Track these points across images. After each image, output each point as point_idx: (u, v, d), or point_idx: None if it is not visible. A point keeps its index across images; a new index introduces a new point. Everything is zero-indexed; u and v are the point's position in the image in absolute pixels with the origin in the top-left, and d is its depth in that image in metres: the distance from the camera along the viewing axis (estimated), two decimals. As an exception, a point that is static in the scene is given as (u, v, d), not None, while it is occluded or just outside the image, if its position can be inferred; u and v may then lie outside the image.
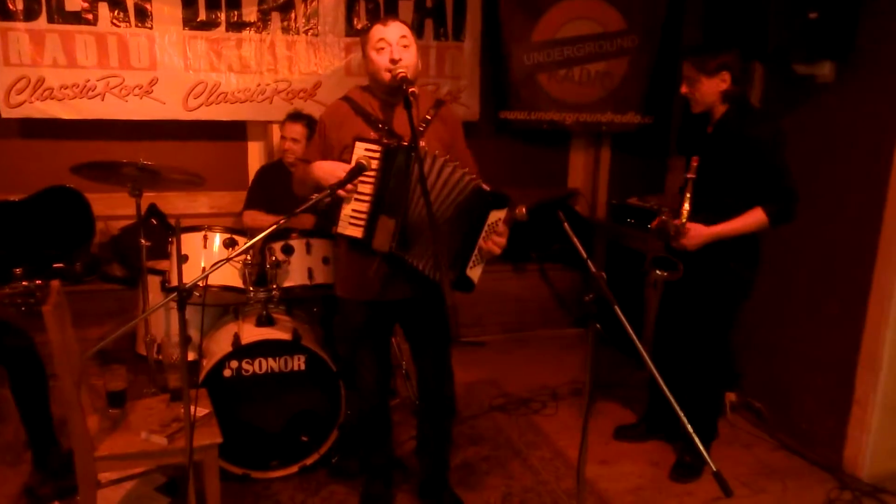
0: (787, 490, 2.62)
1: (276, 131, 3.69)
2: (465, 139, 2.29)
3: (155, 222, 3.75)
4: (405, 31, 2.09)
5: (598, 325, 1.93)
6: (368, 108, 2.15)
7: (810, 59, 2.71)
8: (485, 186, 2.04)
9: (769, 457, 2.88)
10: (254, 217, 3.28)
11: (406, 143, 2.01)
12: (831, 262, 2.80)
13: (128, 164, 2.62)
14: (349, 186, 1.98)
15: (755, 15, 2.83)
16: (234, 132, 3.83)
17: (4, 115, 3.39)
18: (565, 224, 2.05)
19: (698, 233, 2.36)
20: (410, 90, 1.96)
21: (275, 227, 1.87)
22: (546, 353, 4.02)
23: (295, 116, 3.28)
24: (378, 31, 2.08)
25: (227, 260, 1.87)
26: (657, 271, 2.47)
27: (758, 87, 3.18)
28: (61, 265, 3.58)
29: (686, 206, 2.34)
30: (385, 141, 2.03)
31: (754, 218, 2.35)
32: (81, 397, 2.07)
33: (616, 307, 1.83)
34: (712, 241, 2.37)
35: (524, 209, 2.10)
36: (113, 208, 3.69)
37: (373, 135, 2.10)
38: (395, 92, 2.09)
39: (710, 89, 2.38)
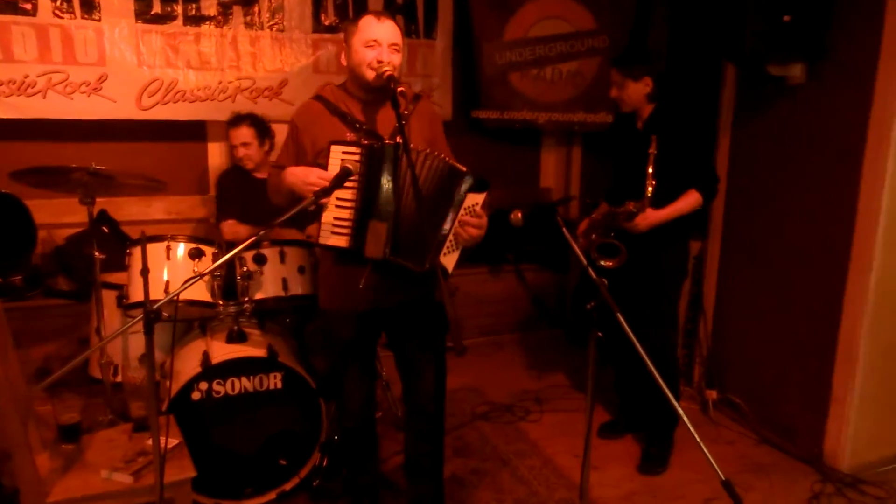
0: (774, 485, 2.63)
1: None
2: (446, 137, 2.19)
3: (106, 230, 3.48)
4: (398, 36, 1.98)
5: (599, 334, 1.86)
6: (344, 108, 2.01)
7: (783, 60, 2.74)
8: (460, 166, 1.91)
9: (753, 452, 2.88)
10: (233, 229, 3.05)
11: (389, 142, 1.88)
12: (808, 259, 2.82)
13: (78, 168, 2.38)
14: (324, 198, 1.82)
15: (729, 16, 2.84)
16: (193, 133, 3.60)
17: (-69, 115, 3.08)
18: (564, 230, 1.97)
19: (652, 215, 2.55)
20: (399, 89, 1.85)
21: (254, 238, 1.70)
22: (525, 355, 3.94)
23: (237, 119, 3.08)
24: (370, 26, 1.94)
25: (202, 276, 1.69)
26: (602, 261, 2.55)
27: (730, 87, 3.17)
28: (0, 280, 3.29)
29: (650, 172, 2.49)
30: (365, 142, 1.89)
31: (693, 199, 2.60)
32: (29, 433, 1.84)
33: (619, 314, 1.77)
34: (661, 223, 2.56)
35: (520, 214, 2.00)
36: (57, 215, 3.41)
37: (350, 136, 1.96)
38: (375, 90, 1.96)
39: (637, 92, 2.64)
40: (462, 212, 1.92)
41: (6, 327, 1.95)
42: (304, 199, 1.80)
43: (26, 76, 3.16)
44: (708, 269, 3.31)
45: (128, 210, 3.56)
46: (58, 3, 3.14)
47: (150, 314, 1.63)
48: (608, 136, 4.13)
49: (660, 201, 2.55)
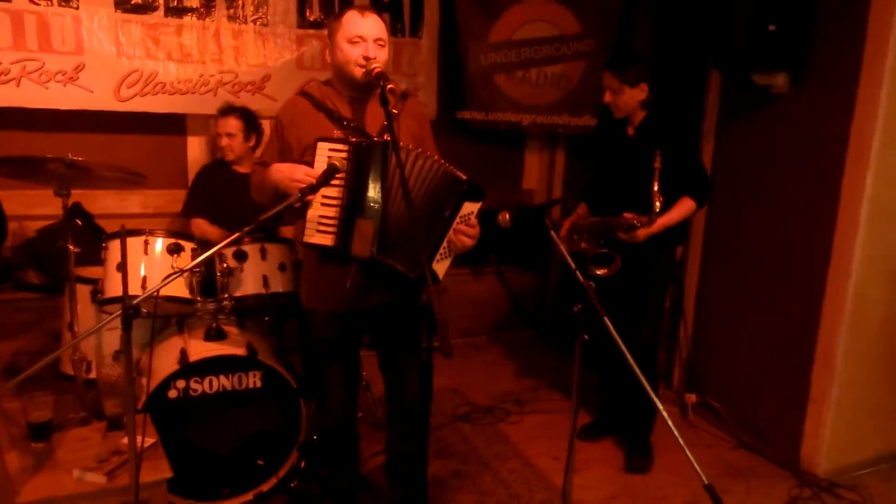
0: (751, 489, 2.66)
1: (218, 127, 3.42)
2: (433, 135, 2.18)
3: (80, 223, 3.38)
4: (383, 31, 1.95)
5: (585, 337, 1.86)
6: (330, 104, 1.98)
7: (767, 69, 2.77)
8: (461, 174, 1.90)
9: (730, 456, 2.91)
10: (202, 228, 2.99)
11: (378, 140, 1.86)
12: (787, 264, 2.86)
13: (54, 159, 2.31)
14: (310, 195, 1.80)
15: (714, 24, 2.88)
16: (173, 126, 3.53)
17: None
18: (552, 233, 1.97)
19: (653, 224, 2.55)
20: (389, 86, 1.81)
21: (236, 235, 1.67)
22: (505, 356, 3.94)
23: (227, 110, 3.03)
24: (354, 21, 1.91)
25: (183, 272, 1.65)
26: (597, 270, 2.53)
27: (714, 94, 3.21)
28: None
29: (656, 190, 2.47)
30: (353, 139, 1.87)
31: (687, 206, 2.61)
32: None
33: (606, 318, 1.77)
34: (658, 231, 2.56)
35: (507, 215, 2.00)
36: (28, 207, 3.32)
37: (337, 133, 1.93)
38: (362, 87, 1.94)
39: (632, 98, 2.59)
40: (458, 219, 1.91)
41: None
42: (290, 197, 1.78)
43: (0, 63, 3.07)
44: (689, 273, 3.34)
45: (103, 203, 3.48)
46: (33, -11, 3.05)
47: (129, 310, 1.60)
48: (592, 139, 4.17)
49: (648, 207, 2.52)
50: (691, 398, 3.24)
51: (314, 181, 1.78)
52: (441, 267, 1.95)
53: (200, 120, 3.53)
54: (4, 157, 2.34)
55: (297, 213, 1.92)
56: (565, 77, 4.05)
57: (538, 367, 3.75)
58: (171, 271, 2.36)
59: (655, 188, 2.46)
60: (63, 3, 3.10)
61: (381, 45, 1.92)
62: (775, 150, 2.89)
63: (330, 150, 1.84)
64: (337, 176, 1.83)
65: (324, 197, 1.86)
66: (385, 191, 1.85)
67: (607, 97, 2.64)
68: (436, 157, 1.91)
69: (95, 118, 3.30)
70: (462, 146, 4.06)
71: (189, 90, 3.35)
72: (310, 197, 1.82)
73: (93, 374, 2.65)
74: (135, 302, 1.59)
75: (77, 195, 3.31)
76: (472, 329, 4.13)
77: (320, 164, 1.84)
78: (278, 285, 2.50)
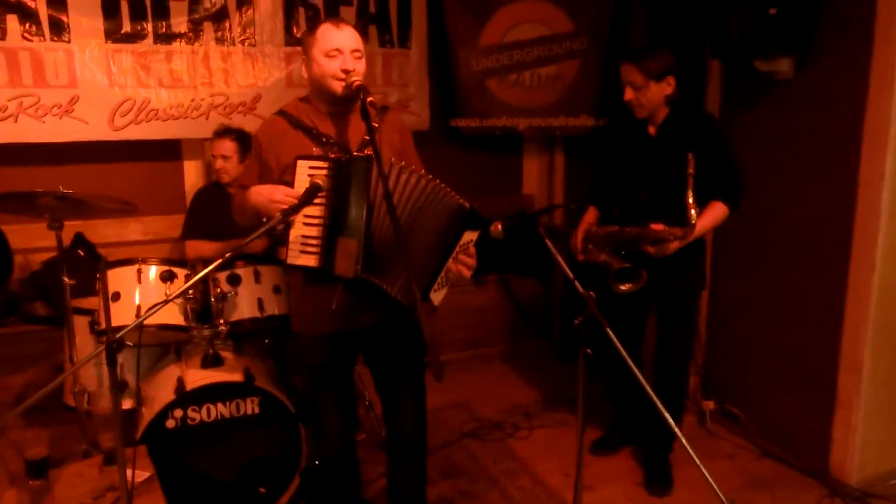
0: (777, 501, 2.54)
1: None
2: (416, 149, 2.14)
3: (82, 253, 3.41)
4: (359, 42, 1.92)
5: (588, 350, 1.81)
6: (308, 122, 1.95)
7: (770, 54, 2.65)
8: (465, 203, 1.87)
9: (754, 466, 2.78)
10: (197, 248, 3.00)
11: (358, 155, 1.83)
12: (806, 260, 2.72)
13: (44, 193, 2.32)
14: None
15: (712, 11, 2.78)
16: (168, 151, 3.54)
17: None
18: (547, 241, 1.93)
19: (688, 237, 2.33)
20: (370, 99, 1.77)
21: (221, 261, 1.65)
22: (512, 368, 3.88)
23: (222, 132, 3.03)
24: (330, 34, 1.88)
25: (165, 302, 1.63)
26: (621, 286, 2.38)
27: (715, 84, 3.13)
28: (-25, 307, 3.23)
29: (691, 202, 2.24)
30: (332, 156, 1.84)
31: (720, 211, 2.41)
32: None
33: (608, 329, 1.73)
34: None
35: (500, 226, 1.95)
36: (32, 240, 3.35)
37: (316, 150, 1.90)
38: (341, 102, 1.91)
39: (658, 94, 2.37)
40: (458, 248, 1.87)
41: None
42: (271, 219, 1.75)
43: (-4, 101, 3.11)
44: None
45: (103, 232, 3.50)
46: (27, 26, 3.08)
47: (113, 344, 1.58)
48: (592, 140, 4.11)
49: (676, 215, 2.30)
50: (709, 405, 3.11)
51: (295, 201, 1.75)
52: (438, 296, 1.92)
53: (195, 144, 3.54)
54: (-4, 193, 2.36)
55: (282, 233, 1.90)
56: (560, 77, 4.00)
57: (547, 378, 3.68)
58: (167, 297, 2.36)
59: (691, 199, 2.21)
60: (55, 38, 3.13)
61: (358, 56, 1.90)
62: (784, 138, 2.77)
63: (310, 167, 1.81)
64: (319, 194, 1.81)
65: (306, 216, 1.83)
66: (368, 207, 1.82)
67: (628, 94, 2.38)
68: (422, 171, 1.87)
69: (91, 149, 3.32)
70: (458, 155, 4.04)
71: (181, 115, 3.36)
72: (292, 217, 1.79)
73: (91, 406, 2.65)
74: (120, 334, 1.57)
75: (78, 226, 3.36)
76: (476, 341, 4.07)
77: (301, 183, 1.81)
78: (274, 308, 2.49)
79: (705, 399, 3.15)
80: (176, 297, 1.71)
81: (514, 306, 4.16)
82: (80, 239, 3.43)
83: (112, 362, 1.58)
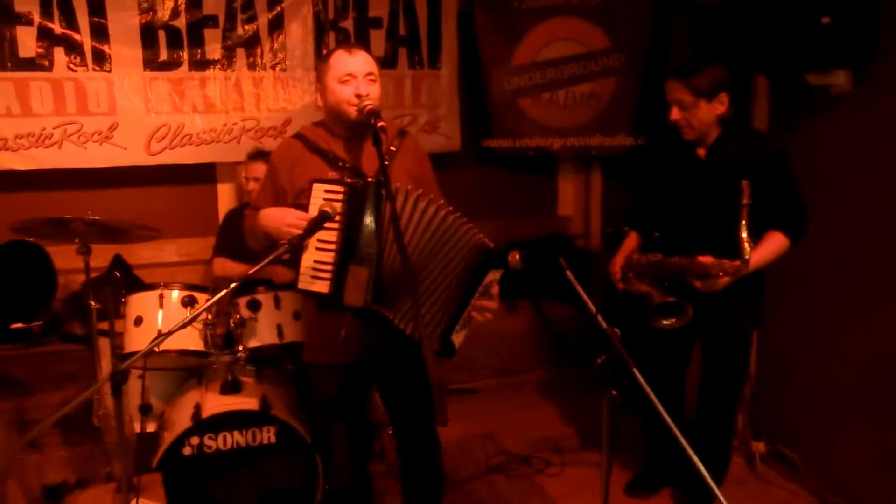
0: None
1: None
2: (447, 171, 2.12)
3: (118, 275, 3.50)
4: (372, 66, 1.89)
5: (614, 392, 1.70)
6: (324, 146, 1.92)
7: (823, 67, 2.48)
8: (488, 242, 1.80)
9: (811, 518, 2.56)
10: (223, 266, 3.05)
11: (372, 180, 1.78)
12: (870, 285, 2.48)
13: (74, 219, 2.38)
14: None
15: (758, 23, 2.63)
16: (202, 175, 3.61)
17: (-44, 169, 3.17)
18: (568, 272, 1.83)
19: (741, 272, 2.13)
20: (380, 124, 1.74)
21: (228, 291, 1.62)
22: (545, 398, 3.73)
23: (256, 155, 3.08)
24: (343, 60, 1.87)
25: (169, 334, 1.61)
26: (663, 320, 2.21)
27: (763, 101, 2.96)
28: (19, 325, 3.34)
29: (745, 235, 2.04)
30: (348, 180, 1.80)
31: (779, 243, 2.19)
32: (11, 492, 1.79)
33: (634, 369, 1.61)
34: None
35: (517, 255, 1.87)
36: (74, 261, 3.36)
37: (332, 174, 1.87)
38: (357, 127, 1.88)
39: (709, 114, 2.18)
40: (481, 289, 1.80)
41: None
42: (281, 244, 1.72)
43: (43, 129, 3.23)
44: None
45: (141, 254, 3.57)
46: (71, 57, 3.20)
47: (117, 375, 1.58)
48: (630, 160, 3.97)
49: (728, 247, 2.10)
50: (760, 447, 2.86)
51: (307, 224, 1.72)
52: (458, 338, 1.85)
53: (229, 168, 3.59)
54: (29, 219, 2.43)
55: (293, 257, 1.87)
56: (595, 96, 3.89)
57: (581, 409, 3.49)
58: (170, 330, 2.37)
59: (744, 234, 2.02)
60: (97, 68, 3.24)
61: (371, 80, 1.87)
62: (841, 156, 2.55)
63: (325, 191, 1.77)
64: (332, 220, 1.77)
65: (319, 241, 1.79)
66: (380, 235, 1.77)
67: (675, 114, 2.19)
68: (441, 202, 1.82)
69: (128, 173, 3.41)
70: (490, 176, 3.98)
71: (214, 139, 3.42)
72: (304, 242, 1.76)
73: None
74: (122, 367, 1.57)
75: (117, 247, 3.44)
76: (507, 368, 3.94)
77: (315, 207, 1.77)
78: (293, 334, 2.46)
79: (756, 440, 2.91)
80: (179, 327, 1.69)
81: (548, 332, 4.03)
82: (118, 261, 3.52)
83: (117, 392, 1.58)
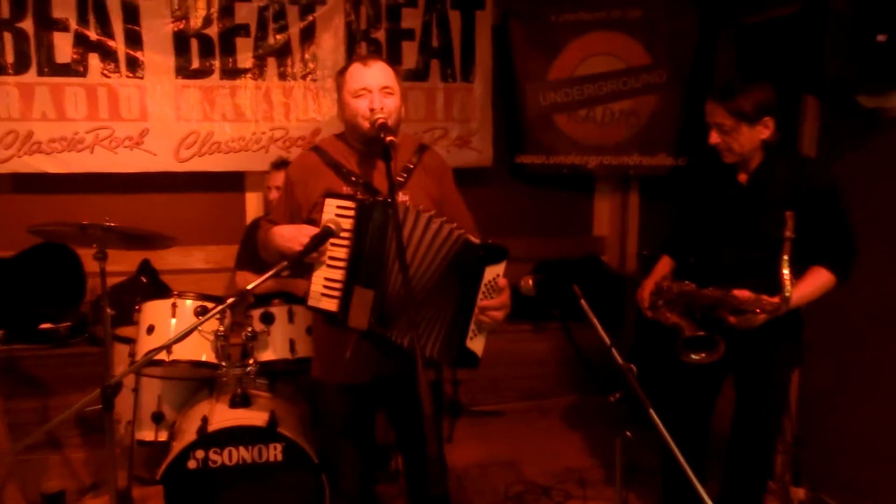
0: None
1: (271, 182, 3.46)
2: (478, 186, 2.03)
3: (145, 280, 3.51)
4: (389, 77, 1.82)
5: (628, 433, 1.57)
6: (342, 160, 1.87)
7: (877, 89, 2.32)
8: (473, 239, 1.71)
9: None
10: (246, 279, 3.01)
11: (380, 199, 1.71)
12: None
13: (91, 224, 2.36)
14: (314, 255, 1.67)
15: (807, 42, 2.48)
16: (231, 183, 3.61)
17: (-8, 171, 3.24)
18: (582, 301, 1.72)
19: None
20: (388, 139, 1.68)
21: (222, 308, 1.56)
22: (572, 425, 3.58)
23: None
24: (358, 74, 1.82)
25: (158, 350, 1.56)
26: (693, 355, 2.06)
27: (811, 123, 2.79)
28: (48, 326, 3.38)
29: (787, 271, 1.89)
30: (360, 196, 1.73)
31: (823, 280, 2.00)
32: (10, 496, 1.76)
33: (650, 410, 1.48)
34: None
35: (530, 282, 1.76)
36: (107, 264, 3.48)
37: (346, 189, 1.81)
38: (372, 141, 1.81)
39: (752, 138, 2.00)
40: (482, 290, 1.71)
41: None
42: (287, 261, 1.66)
43: (76, 133, 3.29)
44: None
45: (169, 259, 3.59)
46: (106, 64, 3.26)
47: (108, 389, 1.53)
48: (671, 181, 3.80)
49: (764, 280, 1.95)
50: (799, 493, 2.67)
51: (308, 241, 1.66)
52: (476, 344, 1.75)
53: (258, 176, 3.58)
54: (47, 223, 2.43)
55: (305, 273, 1.80)
56: (634, 113, 3.75)
57: (609, 439, 3.31)
58: (199, 334, 2.33)
59: (786, 270, 1.87)
60: (130, 74, 3.29)
61: (388, 93, 1.81)
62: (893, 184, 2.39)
63: (337, 206, 1.71)
64: (343, 235, 1.70)
65: (331, 258, 1.72)
66: (388, 256, 1.69)
67: (714, 138, 2.03)
68: (452, 222, 1.73)
69: (159, 179, 3.44)
70: (523, 193, 3.90)
71: (242, 148, 3.42)
72: (313, 256, 1.69)
73: (135, 435, 2.64)
74: (113, 381, 1.52)
75: (146, 252, 3.46)
76: (533, 391, 3.80)
77: (328, 222, 1.71)
78: (306, 349, 2.39)
79: (796, 485, 2.71)
80: (173, 342, 1.63)
81: (577, 356, 3.87)
82: (145, 266, 3.53)
83: (108, 407, 1.53)
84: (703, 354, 2.04)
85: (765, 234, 1.99)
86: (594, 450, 3.27)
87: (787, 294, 1.88)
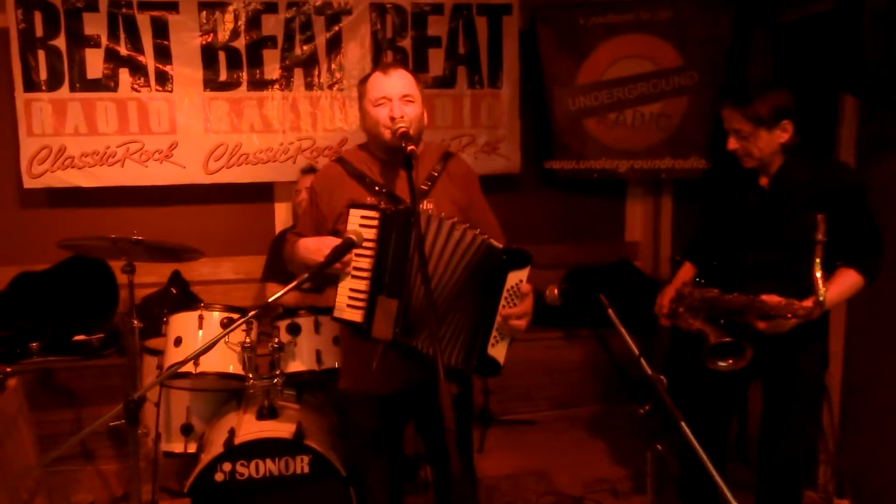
0: None
1: (300, 192, 3.46)
2: (507, 193, 2.00)
3: (175, 291, 3.54)
4: (410, 85, 1.80)
5: (658, 447, 1.51)
6: (365, 170, 1.85)
7: None
8: (495, 243, 1.68)
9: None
10: (273, 290, 3.01)
11: (403, 207, 1.70)
12: None
13: (119, 238, 2.38)
14: (337, 265, 1.65)
15: (844, 39, 2.39)
16: (260, 194, 3.63)
17: (27, 186, 3.32)
18: (610, 311, 1.67)
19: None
20: (409, 148, 1.66)
21: (246, 318, 1.55)
22: (604, 434, 3.49)
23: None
24: (378, 83, 1.80)
25: (184, 363, 1.54)
26: (720, 361, 2.02)
27: (849, 123, 2.68)
28: (81, 337, 3.42)
29: (819, 275, 1.85)
30: (383, 206, 1.71)
31: (852, 281, 1.98)
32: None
33: (682, 423, 1.42)
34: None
35: (556, 291, 1.72)
36: (137, 276, 3.51)
37: (370, 199, 1.80)
38: (393, 150, 1.79)
39: (770, 142, 1.98)
40: (505, 294, 1.68)
41: (22, 410, 1.91)
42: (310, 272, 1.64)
43: (107, 147, 3.34)
44: (832, 344, 2.71)
45: (199, 270, 3.61)
46: (135, 78, 3.31)
47: (131, 404, 1.52)
48: (703, 184, 3.69)
49: (787, 285, 1.94)
50: None
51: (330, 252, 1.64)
52: (498, 351, 1.72)
53: (286, 186, 3.59)
54: (76, 237, 2.46)
55: (331, 285, 1.78)
56: (665, 116, 3.66)
57: (642, 449, 3.22)
58: (226, 345, 2.33)
59: (819, 272, 1.83)
60: (159, 88, 3.33)
61: (409, 101, 1.79)
62: None
63: (362, 217, 1.70)
64: (367, 245, 1.68)
65: (356, 269, 1.70)
66: (412, 265, 1.65)
67: (732, 143, 2.02)
68: (475, 228, 1.71)
69: (188, 191, 3.48)
70: (552, 199, 3.84)
71: (270, 159, 3.44)
72: (337, 266, 1.67)
73: (163, 447, 2.65)
74: (136, 395, 1.51)
75: (176, 263, 3.49)
76: (565, 400, 3.72)
77: (352, 232, 1.70)
78: (332, 360, 2.37)
79: (839, 497, 2.62)
80: (193, 357, 1.61)
81: (611, 364, 3.77)
82: (176, 277, 3.56)
83: (132, 421, 1.52)
84: (731, 361, 2.01)
85: (788, 237, 1.98)
86: (626, 459, 3.18)
87: (822, 298, 1.84)
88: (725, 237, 2.19)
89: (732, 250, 2.14)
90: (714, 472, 1.34)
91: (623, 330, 1.61)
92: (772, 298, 1.92)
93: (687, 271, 2.35)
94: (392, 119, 1.75)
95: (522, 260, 1.69)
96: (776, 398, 2.15)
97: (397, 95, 1.77)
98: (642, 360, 1.54)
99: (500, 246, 1.68)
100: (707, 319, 2.09)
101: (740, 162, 2.07)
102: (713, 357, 2.02)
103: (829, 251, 1.90)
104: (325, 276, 1.70)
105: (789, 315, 1.90)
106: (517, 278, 1.69)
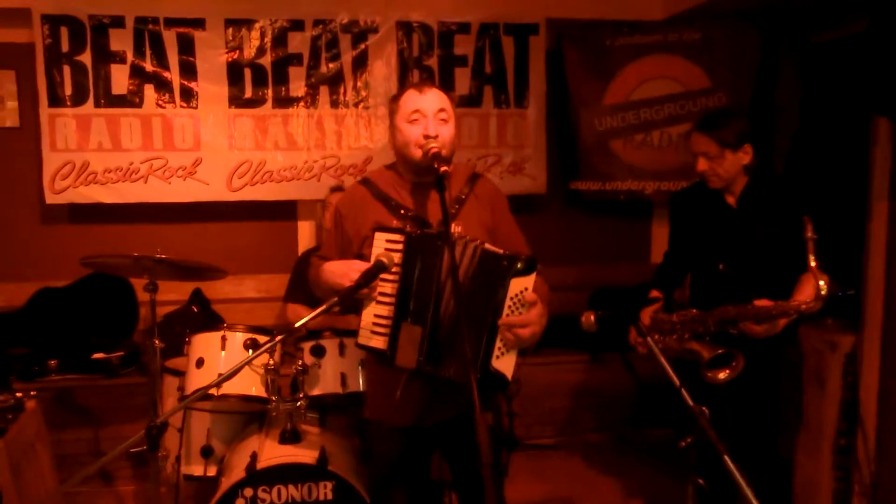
0: None
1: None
2: (532, 213, 1.95)
3: (196, 309, 3.50)
4: (444, 102, 1.75)
5: (700, 481, 1.44)
6: (391, 192, 1.80)
7: None
8: (496, 249, 1.61)
9: None
10: (297, 312, 2.97)
11: (429, 231, 1.64)
12: None
13: (142, 256, 2.35)
14: (364, 290, 1.59)
15: (878, 61, 2.34)
16: (283, 212, 3.61)
17: (49, 202, 3.32)
18: (649, 339, 1.62)
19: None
20: (443, 169, 1.60)
21: (273, 343, 1.49)
22: (631, 462, 3.38)
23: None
24: (412, 99, 1.75)
25: (208, 388, 1.49)
26: (719, 374, 2.09)
27: (884, 145, 2.62)
28: (101, 356, 3.39)
29: (814, 264, 1.99)
30: (409, 230, 1.65)
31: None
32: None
33: (726, 457, 1.35)
34: None
35: (592, 317, 1.65)
36: (157, 293, 3.50)
37: (395, 223, 1.74)
38: (423, 171, 1.74)
39: (735, 164, 2.22)
40: (508, 302, 1.58)
41: (43, 437, 1.86)
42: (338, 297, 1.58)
43: (131, 163, 3.33)
44: (865, 368, 2.64)
45: (221, 289, 3.58)
46: (160, 94, 3.31)
47: (153, 429, 1.47)
48: (681, 205, 3.64)
49: (770, 291, 2.10)
50: None
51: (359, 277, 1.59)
52: (504, 364, 1.61)
53: (309, 205, 3.57)
54: (97, 254, 2.43)
55: (356, 310, 1.73)
56: (694, 137, 3.60)
57: (671, 477, 3.09)
58: (249, 367, 2.27)
59: (813, 263, 1.96)
60: (184, 105, 3.33)
61: (443, 119, 1.74)
62: None
63: (387, 241, 1.65)
64: (393, 270, 1.63)
65: (380, 294, 1.65)
66: (437, 290, 1.60)
67: (701, 165, 2.26)
68: (479, 241, 1.64)
69: (212, 208, 3.46)
70: (578, 219, 3.80)
71: (294, 177, 3.42)
72: (362, 292, 1.61)
73: (182, 470, 2.59)
74: (158, 421, 1.47)
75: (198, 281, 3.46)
76: (592, 425, 3.63)
77: (378, 257, 1.64)
78: (357, 384, 2.30)
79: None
80: (218, 382, 1.55)
81: (639, 389, 3.67)
82: (197, 295, 3.53)
83: (153, 448, 1.47)
84: (728, 370, 2.09)
85: (758, 249, 2.17)
86: (653, 489, 3.08)
87: (824, 293, 1.97)
88: (698, 257, 2.39)
89: (706, 267, 2.32)
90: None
91: (663, 359, 1.54)
92: (761, 302, 2.06)
93: (655, 304, 2.48)
94: (426, 138, 1.69)
95: (526, 266, 1.59)
96: (763, 398, 2.31)
97: (432, 111, 1.72)
98: (683, 391, 1.47)
99: (502, 252, 1.61)
100: (694, 338, 2.20)
101: (707, 183, 2.30)
102: (713, 370, 2.09)
103: (790, 264, 2.10)
104: (353, 300, 1.64)
105: (793, 312, 2.02)
106: (522, 286, 1.59)
